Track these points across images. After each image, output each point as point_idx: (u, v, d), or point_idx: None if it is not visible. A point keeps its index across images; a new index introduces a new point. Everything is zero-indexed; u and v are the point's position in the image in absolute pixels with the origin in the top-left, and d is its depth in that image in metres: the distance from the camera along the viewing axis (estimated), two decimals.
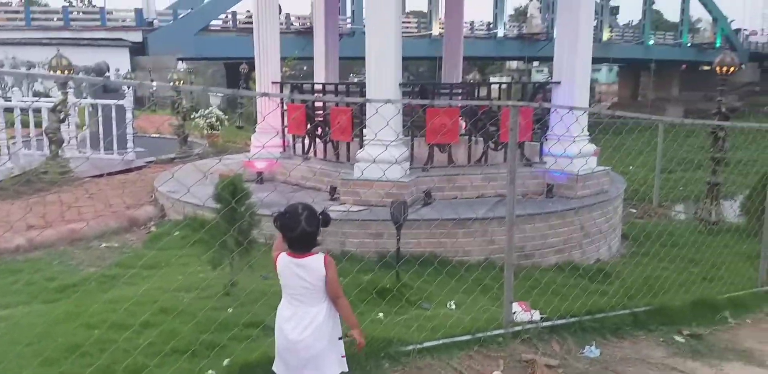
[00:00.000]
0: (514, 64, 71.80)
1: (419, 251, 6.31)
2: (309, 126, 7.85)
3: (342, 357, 2.77)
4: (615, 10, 55.30)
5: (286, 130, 8.13)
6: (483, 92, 8.48)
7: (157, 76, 25.31)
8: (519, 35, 42.35)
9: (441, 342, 3.74)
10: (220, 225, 4.74)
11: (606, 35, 45.93)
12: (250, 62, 9.68)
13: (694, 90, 49.59)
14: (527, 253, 6.98)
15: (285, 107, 8.10)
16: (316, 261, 2.64)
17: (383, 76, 6.83)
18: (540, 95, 8.18)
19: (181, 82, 11.56)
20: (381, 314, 4.52)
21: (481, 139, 7.99)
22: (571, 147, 7.02)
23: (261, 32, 8.09)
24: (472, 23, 40.49)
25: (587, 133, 7.79)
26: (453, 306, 5.18)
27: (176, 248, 6.49)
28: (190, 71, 29.53)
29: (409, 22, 39.13)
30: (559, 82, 7.54)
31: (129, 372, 3.26)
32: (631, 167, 11.99)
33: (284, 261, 2.67)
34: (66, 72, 8.52)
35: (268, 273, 5.73)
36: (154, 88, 19.31)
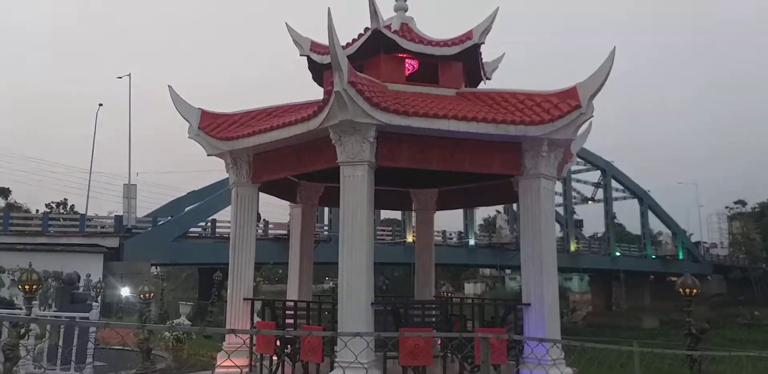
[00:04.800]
0: (487, 271, 73.39)
1: None
2: (278, 343, 7.62)
3: None
4: (579, 224, 59.12)
5: (254, 348, 7.85)
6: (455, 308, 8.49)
7: (129, 281, 25.16)
8: (489, 244, 44.33)
9: None
10: None
11: (573, 246, 48.33)
12: (225, 269, 9.77)
13: (665, 298, 50.49)
14: None
15: (254, 323, 7.95)
16: None
17: (355, 297, 6.91)
18: (511, 314, 8.22)
19: (152, 295, 11.43)
20: None
21: (457, 358, 7.76)
22: (551, 371, 6.84)
23: (236, 250, 8.37)
24: (444, 232, 42.57)
25: (563, 355, 7.65)
26: None
27: None
28: (162, 277, 29.52)
29: (383, 230, 40.99)
30: (529, 304, 7.66)
31: None
32: None
33: None
34: (35, 286, 8.44)
35: None
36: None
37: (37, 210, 46.38)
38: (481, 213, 53.23)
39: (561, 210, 48.13)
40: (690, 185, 76.29)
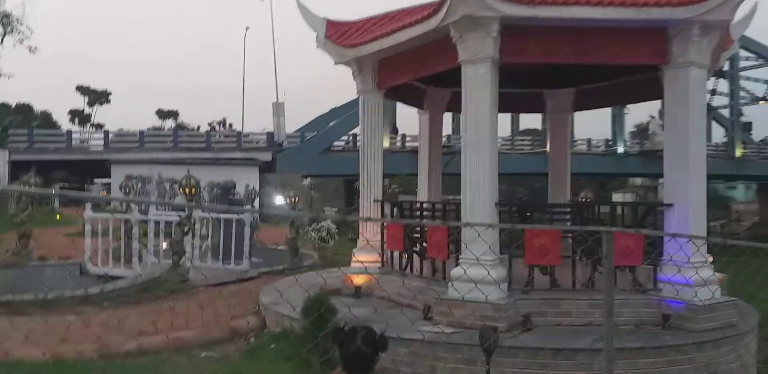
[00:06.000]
0: (638, 181, 69.43)
1: None
2: (407, 242, 7.96)
3: None
4: (748, 126, 52.85)
5: (385, 245, 8.28)
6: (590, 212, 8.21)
7: (282, 191, 27.32)
8: (640, 152, 41.46)
9: None
10: (306, 342, 4.78)
11: (739, 152, 43.71)
12: None
13: None
14: None
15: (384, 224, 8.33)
16: None
17: (479, 197, 6.87)
18: (651, 217, 7.78)
19: (298, 199, 12.46)
20: None
21: (589, 261, 7.61)
22: (690, 273, 6.48)
23: (365, 156, 8.62)
24: (589, 140, 40.46)
25: (707, 259, 7.17)
26: None
27: (270, 362, 6.53)
28: (312, 188, 31.68)
29: (523, 140, 39.89)
30: (671, 204, 7.15)
31: None
32: None
33: None
34: (193, 189, 9.49)
35: None
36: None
37: (198, 127, 50.97)
38: (633, 119, 49.42)
39: (726, 112, 43.25)
40: None
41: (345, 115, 35.12)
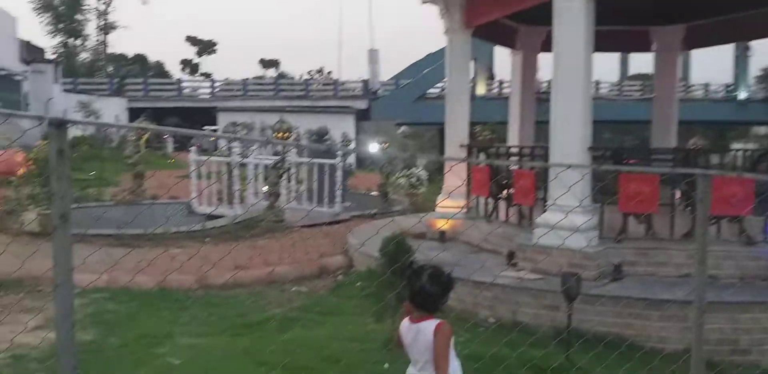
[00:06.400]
0: (762, 129, 63.64)
1: (603, 331, 5.73)
2: (493, 187, 7.81)
3: None
4: None
5: (471, 191, 8.18)
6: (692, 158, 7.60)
7: (377, 139, 27.63)
8: (766, 98, 37.74)
9: None
10: (384, 280, 4.90)
11: None
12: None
13: None
14: (743, 348, 5.88)
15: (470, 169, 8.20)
16: (428, 327, 2.48)
17: (568, 140, 6.55)
18: (765, 163, 7.11)
19: (388, 145, 12.55)
20: None
21: (688, 209, 7.14)
22: None
23: (451, 99, 8.42)
24: (706, 85, 37.29)
25: None
26: None
27: (354, 298, 6.80)
28: (406, 136, 31.74)
29: (632, 85, 37.41)
30: None
31: None
32: None
33: (404, 325, 2.60)
34: (286, 134, 9.81)
35: None
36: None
37: (301, 76, 51.97)
38: (758, 62, 44.48)
39: None
40: None
41: (440, 61, 34.36)
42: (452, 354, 2.55)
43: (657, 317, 5.88)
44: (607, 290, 6.19)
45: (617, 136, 45.56)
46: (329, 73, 56.53)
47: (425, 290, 2.51)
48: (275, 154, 12.27)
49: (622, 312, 5.93)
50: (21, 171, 10.46)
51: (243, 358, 4.85)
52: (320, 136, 14.48)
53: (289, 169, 10.88)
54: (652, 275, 6.69)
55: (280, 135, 9.81)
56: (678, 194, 7.50)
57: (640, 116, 33.37)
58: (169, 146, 29.16)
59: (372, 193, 15.28)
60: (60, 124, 1.99)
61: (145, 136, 25.19)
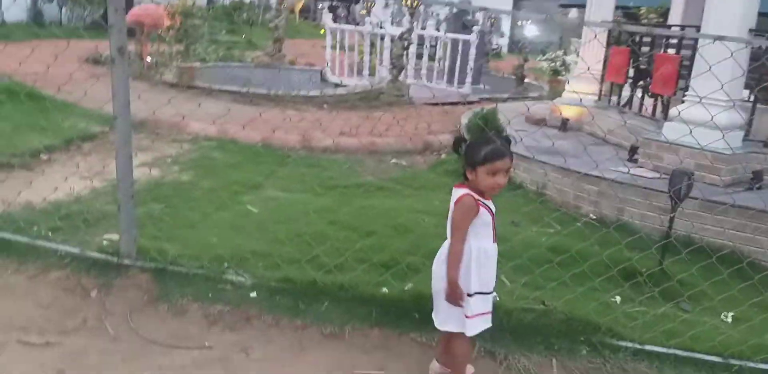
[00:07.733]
0: None
1: (719, 243, 5.03)
2: (632, 73, 6.81)
3: (468, 317, 2.37)
4: None
5: (605, 75, 7.23)
6: None
7: (535, 23, 25.35)
8: None
9: (671, 351, 3.01)
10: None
11: None
12: None
13: None
14: None
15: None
16: (455, 195, 2.37)
17: (725, 18, 5.34)
18: None
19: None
20: (618, 298, 3.82)
21: None
22: None
23: None
24: None
25: None
26: (729, 319, 4.06)
27: (453, 175, 6.57)
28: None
29: None
30: None
31: (325, 267, 3.45)
32: None
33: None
34: (416, 2, 9.17)
35: (520, 221, 5.38)
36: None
37: None
38: None
39: None
40: None
41: None
42: (481, 232, 2.37)
43: None
44: (735, 198, 5.36)
45: None
46: None
47: (461, 153, 2.40)
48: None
49: (747, 225, 5.14)
50: (166, 24, 10.98)
51: (316, 215, 4.91)
52: (461, 11, 13.29)
53: (417, 42, 10.32)
54: None
55: (409, 2, 9.16)
56: None
57: None
58: (325, 17, 29.09)
59: (512, 77, 14.33)
60: None
61: (299, 4, 25.35)
